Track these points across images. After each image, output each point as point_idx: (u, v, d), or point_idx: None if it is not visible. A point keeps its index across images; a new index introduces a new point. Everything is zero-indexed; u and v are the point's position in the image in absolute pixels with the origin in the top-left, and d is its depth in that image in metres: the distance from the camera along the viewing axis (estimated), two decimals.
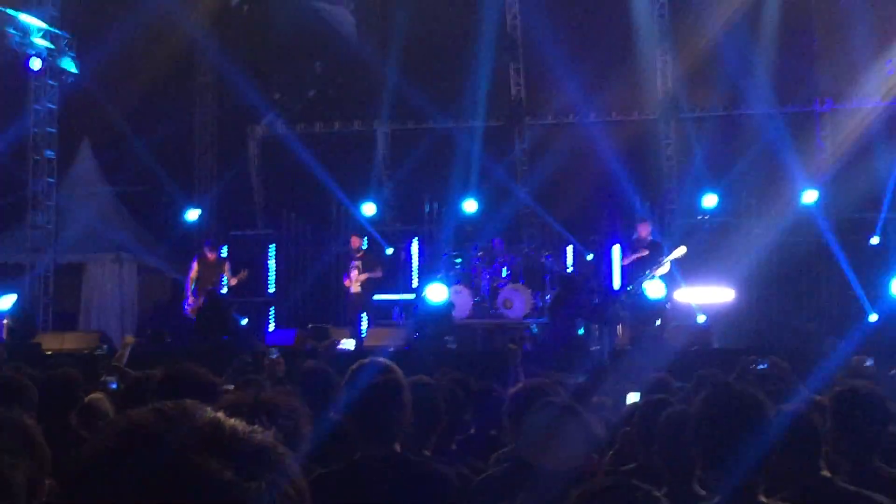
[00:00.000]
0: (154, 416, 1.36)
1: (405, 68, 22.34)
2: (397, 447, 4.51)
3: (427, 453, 5.13)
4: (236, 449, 1.33)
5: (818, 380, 8.04)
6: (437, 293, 18.43)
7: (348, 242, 21.42)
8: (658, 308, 16.93)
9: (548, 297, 19.83)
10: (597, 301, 17.15)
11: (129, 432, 1.33)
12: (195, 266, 18.93)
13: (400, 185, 23.64)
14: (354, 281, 19.07)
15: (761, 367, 8.50)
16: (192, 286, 18.69)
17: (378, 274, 19.27)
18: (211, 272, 18.75)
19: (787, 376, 7.80)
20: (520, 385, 5.51)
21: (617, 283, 18.62)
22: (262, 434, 1.39)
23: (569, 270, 20.81)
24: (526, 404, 5.00)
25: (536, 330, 18.94)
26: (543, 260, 20.45)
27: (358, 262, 19.15)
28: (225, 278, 18.96)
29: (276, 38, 23.10)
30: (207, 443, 1.32)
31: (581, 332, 16.81)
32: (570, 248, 21.61)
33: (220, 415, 1.39)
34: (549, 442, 3.88)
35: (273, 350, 11.13)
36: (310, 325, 18.11)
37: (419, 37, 22.19)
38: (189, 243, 23.82)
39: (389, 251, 22.31)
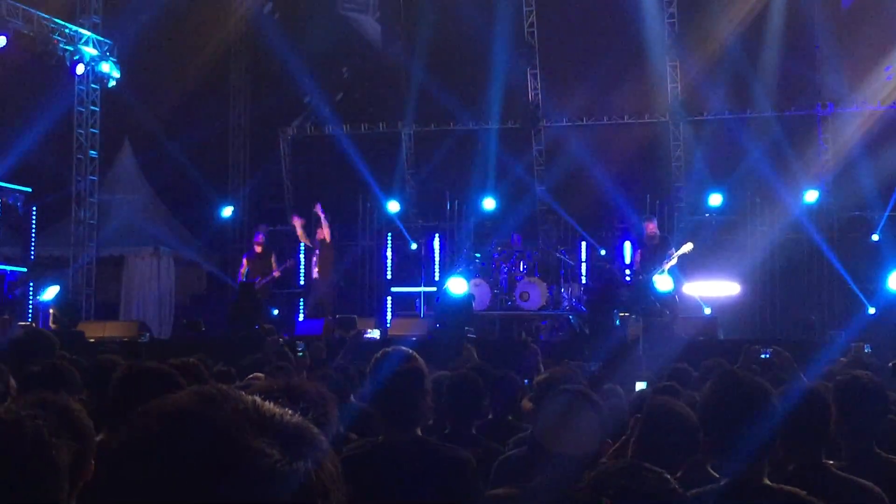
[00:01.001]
0: (196, 398, 1.33)
1: (428, 73, 22.35)
2: (419, 431, 4.51)
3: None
4: (278, 429, 1.31)
5: (818, 369, 8.01)
6: (457, 286, 18.44)
7: (374, 238, 21.58)
8: (667, 300, 16.89)
9: (561, 290, 19.83)
10: (630, 293, 17.12)
11: (174, 414, 1.30)
12: (245, 262, 19.19)
13: (423, 183, 23.68)
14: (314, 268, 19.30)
15: (764, 355, 8.48)
16: (244, 279, 18.88)
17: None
18: (259, 264, 18.97)
19: (788, 365, 7.77)
20: (545, 374, 5.48)
21: (628, 278, 18.60)
22: (295, 416, 1.37)
23: (606, 265, 20.74)
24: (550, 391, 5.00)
25: (574, 320, 18.94)
26: (558, 255, 20.45)
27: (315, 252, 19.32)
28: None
29: (305, 45, 23.11)
30: (253, 424, 1.29)
31: (617, 322, 16.70)
32: (583, 244, 21.58)
33: (257, 398, 1.36)
34: (564, 427, 3.87)
35: (300, 343, 11.10)
36: (337, 316, 18.14)
37: (441, 43, 22.21)
38: (223, 238, 23.96)
39: (413, 246, 22.38)
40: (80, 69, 19.85)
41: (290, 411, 1.37)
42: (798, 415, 4.30)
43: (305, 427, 1.36)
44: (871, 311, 17.97)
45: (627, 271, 18.72)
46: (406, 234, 22.35)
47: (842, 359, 9.62)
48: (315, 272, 19.17)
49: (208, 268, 23.36)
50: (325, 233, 19.01)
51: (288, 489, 1.26)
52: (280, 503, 1.26)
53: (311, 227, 19.48)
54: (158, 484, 1.24)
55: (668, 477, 2.56)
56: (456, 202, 22.49)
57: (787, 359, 7.96)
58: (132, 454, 1.28)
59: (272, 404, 1.36)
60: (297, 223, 19.33)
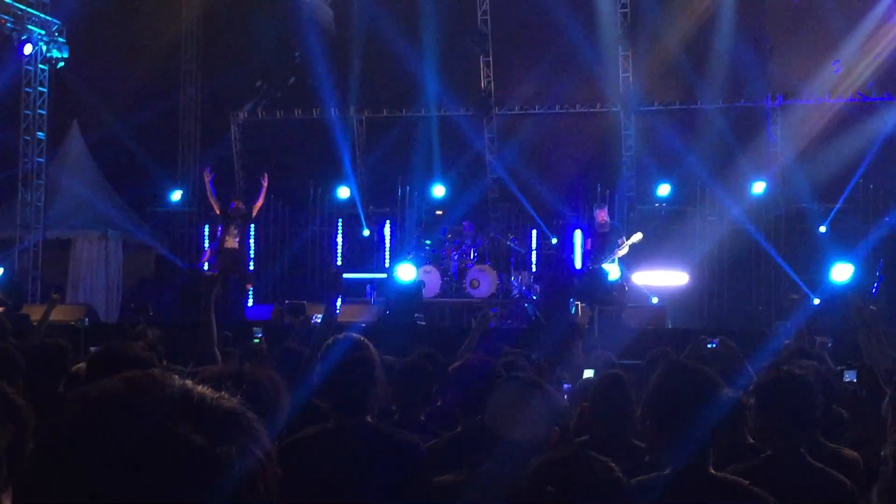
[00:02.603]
0: (124, 384, 1.33)
1: (380, 59, 22.28)
2: (369, 419, 4.51)
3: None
4: (206, 415, 1.31)
5: (764, 359, 8.08)
6: (405, 273, 18.44)
7: (325, 224, 21.49)
8: (616, 289, 16.98)
9: (511, 278, 19.89)
10: (583, 281, 17.17)
11: (99, 401, 1.30)
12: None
13: (373, 169, 23.62)
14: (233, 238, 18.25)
15: (711, 345, 8.53)
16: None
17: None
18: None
19: (734, 355, 7.83)
20: (458, 362, 5.45)
21: (579, 265, 18.66)
22: (230, 400, 1.36)
23: (555, 254, 20.81)
24: (472, 381, 5.00)
25: (530, 308, 18.98)
26: (509, 243, 20.50)
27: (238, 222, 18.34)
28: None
29: (258, 28, 22.95)
30: (178, 409, 1.29)
31: (573, 311, 16.73)
32: (534, 232, 21.64)
33: (189, 382, 1.36)
34: (514, 414, 3.88)
35: (257, 330, 11.03)
36: (286, 301, 18.06)
37: (394, 30, 22.09)
38: (173, 221, 23.76)
39: (366, 232, 22.33)
40: (27, 49, 19.56)
41: (225, 395, 1.36)
42: (783, 401, 4.33)
43: (238, 412, 1.35)
44: (816, 301, 18.19)
45: (578, 260, 18.79)
46: (363, 219, 22.30)
47: (786, 341, 9.72)
48: (235, 242, 18.17)
49: (157, 251, 23.16)
50: (258, 205, 18.56)
51: (208, 475, 1.26)
52: (199, 488, 1.25)
53: (249, 196, 19.10)
54: (80, 470, 1.24)
55: (614, 465, 2.57)
56: (407, 189, 22.49)
57: (733, 349, 8.02)
58: (55, 441, 1.29)
59: (205, 388, 1.36)
60: (207, 177, 18.67)
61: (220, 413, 1.33)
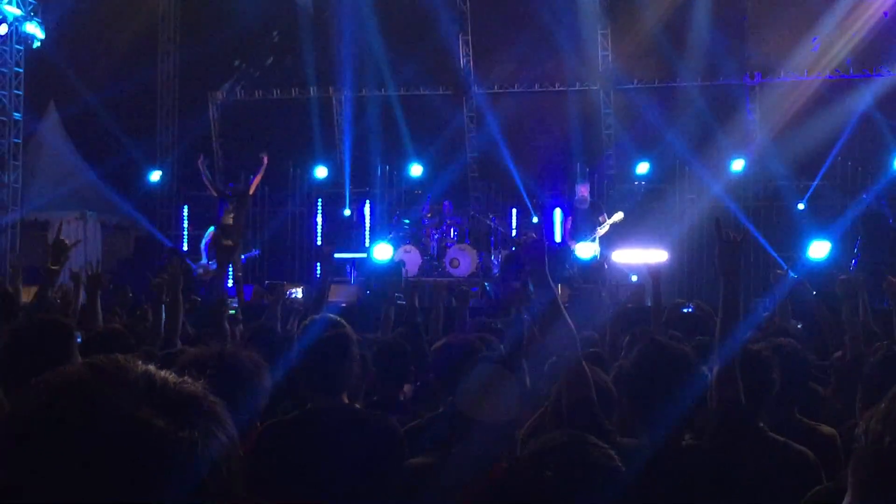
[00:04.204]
0: (86, 370, 1.33)
1: (359, 38, 22.19)
2: (345, 398, 4.50)
3: (358, 405, 5.10)
4: (168, 399, 1.32)
5: (742, 333, 8.09)
6: (382, 252, 18.43)
7: (304, 203, 21.45)
8: (594, 268, 17.01)
9: (491, 257, 19.89)
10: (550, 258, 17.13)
11: (61, 387, 1.30)
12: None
13: (352, 149, 23.55)
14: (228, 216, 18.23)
15: (687, 309, 8.57)
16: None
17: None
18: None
19: (710, 319, 7.85)
20: (442, 341, 5.41)
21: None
22: (193, 385, 1.37)
23: (529, 233, 20.81)
24: (454, 360, 4.99)
25: (489, 287, 18.97)
26: (489, 222, 20.49)
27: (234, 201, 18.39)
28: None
29: (236, 7, 22.81)
30: (140, 394, 1.30)
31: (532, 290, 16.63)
32: (514, 211, 21.65)
33: (152, 367, 1.37)
34: (485, 396, 3.87)
35: (233, 300, 10.99)
36: (266, 282, 18.03)
37: (372, 8, 22.00)
38: (152, 202, 23.66)
39: (347, 212, 22.30)
40: (2, 29, 19.40)
41: (188, 380, 1.37)
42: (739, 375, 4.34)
43: (200, 396, 1.37)
44: (794, 276, 18.25)
45: (559, 237, 18.79)
46: (347, 199, 22.27)
47: (765, 314, 9.75)
48: (230, 219, 18.15)
49: (136, 232, 23.07)
50: (256, 181, 18.57)
51: (171, 459, 1.27)
52: (162, 472, 1.26)
53: (242, 173, 19.10)
54: (44, 457, 1.24)
55: (612, 453, 2.56)
56: (387, 168, 22.45)
57: (708, 312, 8.05)
58: (21, 426, 1.29)
59: (168, 373, 1.37)
60: (202, 164, 18.64)
61: (182, 397, 1.34)
